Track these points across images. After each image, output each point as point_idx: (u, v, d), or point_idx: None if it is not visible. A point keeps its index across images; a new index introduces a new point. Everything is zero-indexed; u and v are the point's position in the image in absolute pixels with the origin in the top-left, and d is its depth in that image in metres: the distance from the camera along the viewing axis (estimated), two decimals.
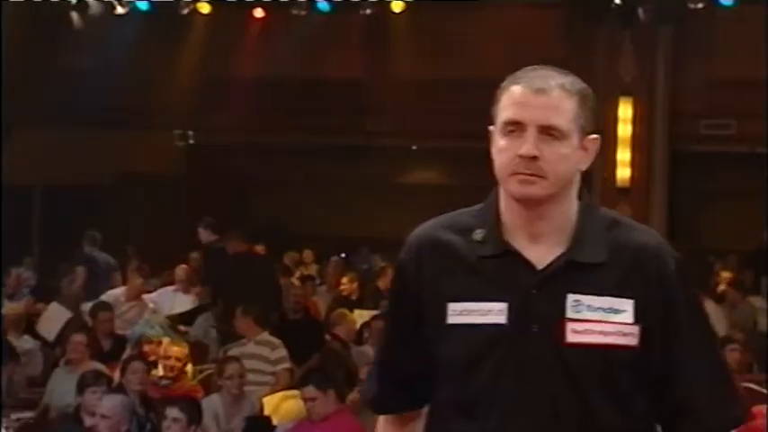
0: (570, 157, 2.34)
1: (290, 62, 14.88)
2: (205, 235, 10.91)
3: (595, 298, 2.31)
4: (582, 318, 2.29)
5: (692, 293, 2.41)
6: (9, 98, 14.02)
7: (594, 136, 2.39)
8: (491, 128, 2.38)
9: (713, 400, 2.35)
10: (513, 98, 2.34)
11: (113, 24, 14.46)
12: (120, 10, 14.28)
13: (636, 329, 2.31)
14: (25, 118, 14.59)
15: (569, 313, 2.29)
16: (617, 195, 14.61)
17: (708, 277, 12.47)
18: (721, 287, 11.75)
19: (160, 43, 14.60)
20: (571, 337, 2.28)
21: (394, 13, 14.32)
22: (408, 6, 14.20)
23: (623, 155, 14.64)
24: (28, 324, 9.36)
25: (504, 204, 2.37)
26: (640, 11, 13.46)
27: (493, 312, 2.31)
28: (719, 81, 14.27)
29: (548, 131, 2.30)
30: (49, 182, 15.05)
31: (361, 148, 15.26)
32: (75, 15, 14.70)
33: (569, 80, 2.37)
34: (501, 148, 2.33)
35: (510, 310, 2.30)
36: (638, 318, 2.31)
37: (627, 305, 2.32)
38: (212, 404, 7.02)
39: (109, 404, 5.91)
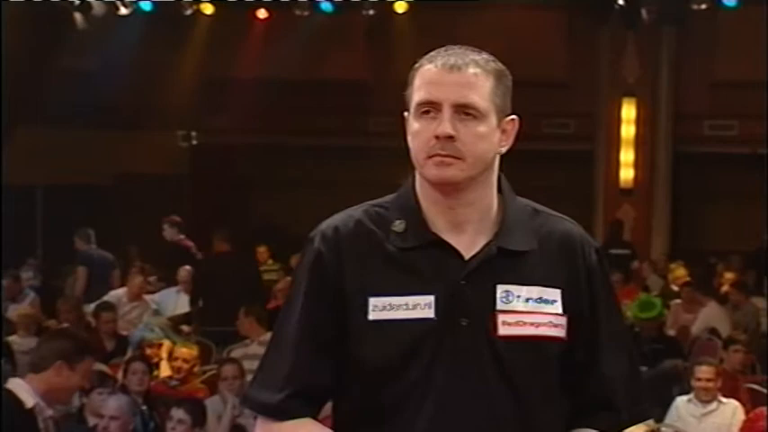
0: (488, 138, 2.20)
1: (293, 63, 14.89)
2: (170, 233, 10.98)
3: (525, 288, 2.19)
4: (512, 309, 2.17)
5: (611, 285, 2.33)
6: (12, 98, 14.04)
7: (512, 117, 2.26)
8: (405, 113, 2.26)
9: (631, 395, 2.28)
10: (426, 77, 2.22)
11: (116, 25, 14.47)
12: (123, 11, 14.28)
13: (564, 320, 2.20)
14: (29, 118, 14.61)
15: (499, 305, 2.17)
16: (620, 196, 14.63)
17: (711, 278, 12.47)
18: (724, 288, 11.74)
19: (163, 44, 14.61)
20: (503, 330, 2.16)
21: (396, 13, 14.33)
22: (411, 7, 14.21)
23: (626, 156, 14.66)
24: (37, 325, 9.34)
25: (422, 192, 2.23)
26: (643, 12, 13.46)
27: (419, 306, 2.15)
28: (722, 82, 14.28)
29: (464, 110, 2.17)
30: (53, 182, 15.06)
31: (364, 149, 15.27)
32: (78, 16, 14.71)
33: (485, 58, 2.23)
34: (416, 131, 2.21)
35: (437, 303, 2.15)
36: (566, 308, 2.21)
37: (556, 295, 2.21)
38: (215, 405, 7.03)
39: (115, 404, 5.93)
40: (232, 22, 14.80)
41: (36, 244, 14.18)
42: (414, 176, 2.28)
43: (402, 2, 14.15)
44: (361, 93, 15.25)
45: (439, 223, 2.21)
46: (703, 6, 13.35)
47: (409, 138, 2.24)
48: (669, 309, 10.44)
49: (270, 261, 13.27)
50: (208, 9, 14.44)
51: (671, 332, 9.90)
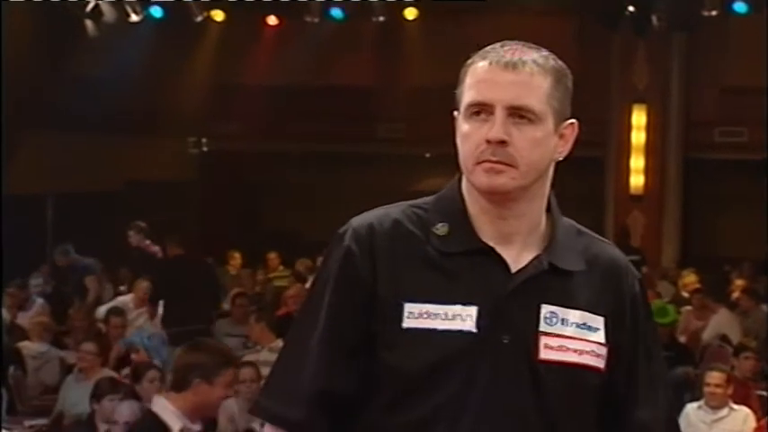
0: (544, 144, 2.01)
1: (304, 69, 14.91)
2: (136, 239, 11.16)
3: (570, 311, 2.03)
4: (556, 332, 2.01)
5: (654, 321, 2.20)
6: (23, 105, 14.08)
7: (571, 121, 2.07)
8: (455, 113, 2.09)
9: None
10: (478, 76, 2.03)
11: (127, 31, 14.51)
12: (134, 17, 14.34)
13: (605, 351, 2.05)
14: (40, 124, 14.65)
15: (543, 326, 2.01)
16: (630, 203, 14.61)
17: (722, 285, 12.43)
18: (735, 295, 11.71)
19: (174, 50, 14.64)
20: (544, 353, 2.00)
21: (407, 19, 14.35)
22: (421, 13, 14.22)
23: (637, 162, 14.64)
24: (49, 331, 9.36)
25: (470, 198, 2.05)
26: (654, 19, 13.46)
27: (460, 317, 1.97)
28: (733, 88, 14.25)
29: (519, 113, 1.99)
30: (63, 188, 15.09)
31: (374, 156, 15.28)
32: (89, 22, 14.76)
33: (543, 55, 2.05)
34: (465, 133, 2.03)
35: (480, 316, 1.97)
36: (608, 338, 2.06)
37: (600, 323, 2.06)
38: (228, 408, 7.03)
39: (128, 411, 5.94)
40: (242, 28, 14.83)
41: (47, 251, 14.17)
42: (459, 179, 2.10)
43: (412, 8, 14.17)
44: (370, 99, 15.26)
45: (486, 232, 2.03)
46: (714, 13, 13.34)
47: (458, 140, 2.06)
48: (680, 315, 10.42)
49: (281, 267, 13.29)
50: (218, 16, 14.48)
51: (681, 339, 9.88)
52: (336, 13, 14.19)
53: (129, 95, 14.08)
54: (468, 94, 2.04)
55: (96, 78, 14.30)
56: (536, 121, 2.00)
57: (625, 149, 14.60)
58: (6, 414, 7.62)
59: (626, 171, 14.61)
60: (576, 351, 2.02)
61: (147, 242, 11.19)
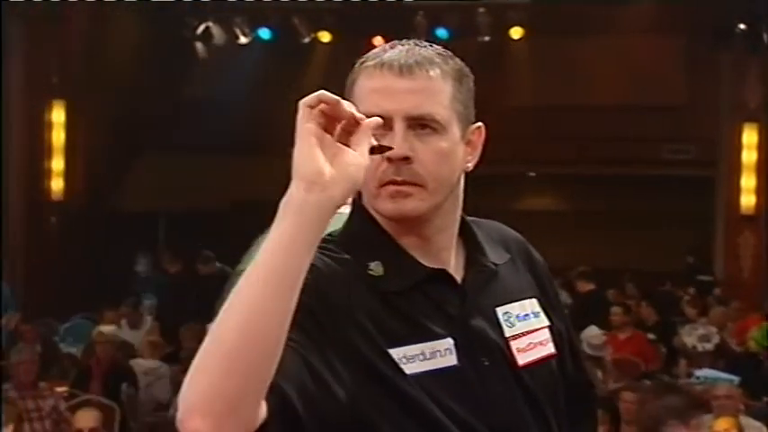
0: (452, 155, 1.79)
1: None
2: (204, 269, 11.44)
3: (515, 305, 1.87)
4: (517, 332, 1.85)
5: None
6: (139, 127, 14.41)
7: (478, 125, 1.87)
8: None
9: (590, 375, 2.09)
10: (369, 85, 1.76)
11: (237, 53, 14.76)
12: (243, 39, 14.58)
13: (550, 332, 1.92)
14: (153, 146, 14.97)
15: (507, 331, 1.83)
16: (741, 223, 14.31)
17: None
18: None
19: (282, 71, 14.84)
20: (521, 358, 1.84)
21: (512, 39, 14.31)
22: (527, 33, 14.18)
23: (748, 181, 14.35)
24: (160, 350, 9.53)
25: (384, 222, 1.80)
26: (765, 36, 13.20)
27: (439, 353, 1.74)
28: None
29: (420, 123, 1.74)
30: (173, 207, 15.37)
31: (479, 176, 15.21)
32: (199, 45, 15.05)
33: (440, 53, 1.83)
34: None
35: (456, 345, 1.75)
36: (549, 318, 1.93)
37: (537, 306, 1.92)
38: None
39: None
40: (350, 49, 14.94)
41: (157, 268, 14.42)
42: (360, 208, 1.83)
43: (518, 28, 14.14)
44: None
45: (417, 255, 1.80)
46: None
47: None
48: None
49: None
50: (325, 37, 14.63)
51: None
52: (442, 32, 14.22)
53: (239, 116, 14.31)
54: (360, 106, 1.70)
55: (207, 100, 14.57)
56: (440, 131, 1.76)
57: (736, 168, 14.32)
58: (119, 431, 7.76)
59: (736, 190, 14.32)
60: (540, 343, 1.89)
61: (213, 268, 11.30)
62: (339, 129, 1.60)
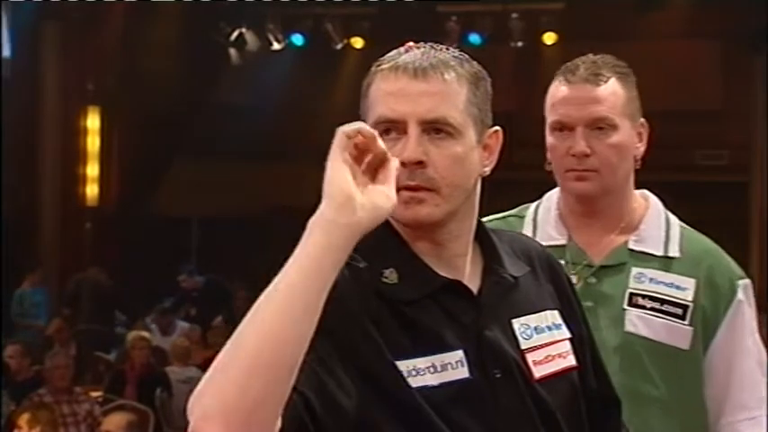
0: (467, 160, 1.76)
1: None
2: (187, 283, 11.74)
3: (534, 317, 1.84)
4: (534, 345, 1.81)
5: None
6: (171, 133, 14.48)
7: (495, 129, 1.86)
8: None
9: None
10: (384, 88, 1.75)
11: (270, 59, 14.81)
12: (276, 45, 14.64)
13: (570, 345, 1.88)
14: (186, 151, 15.04)
15: (522, 343, 1.80)
16: None
17: None
18: None
19: (315, 77, 14.88)
20: (537, 371, 1.79)
21: (545, 45, 14.27)
22: (560, 38, 14.13)
23: None
24: (190, 355, 9.57)
25: (400, 227, 1.78)
26: None
27: (450, 366, 1.71)
28: None
29: (435, 127, 1.72)
30: (207, 213, 15.44)
31: (510, 181, 15.17)
32: (233, 51, 15.12)
33: (456, 57, 1.79)
34: None
35: (468, 357, 1.72)
36: (570, 330, 1.89)
37: (558, 318, 1.88)
38: None
39: None
40: (382, 55, 14.93)
41: (192, 273, 14.49)
42: None
43: (551, 33, 14.09)
44: (506, 125, 15.17)
45: (431, 262, 1.77)
46: None
47: None
48: None
49: None
50: (358, 43, 14.66)
51: None
52: (474, 38, 14.21)
53: (272, 122, 14.36)
54: (373, 109, 1.75)
55: (241, 105, 14.63)
56: (455, 135, 1.74)
57: None
58: None
59: None
60: (559, 356, 1.84)
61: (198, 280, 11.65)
62: (366, 163, 1.63)
